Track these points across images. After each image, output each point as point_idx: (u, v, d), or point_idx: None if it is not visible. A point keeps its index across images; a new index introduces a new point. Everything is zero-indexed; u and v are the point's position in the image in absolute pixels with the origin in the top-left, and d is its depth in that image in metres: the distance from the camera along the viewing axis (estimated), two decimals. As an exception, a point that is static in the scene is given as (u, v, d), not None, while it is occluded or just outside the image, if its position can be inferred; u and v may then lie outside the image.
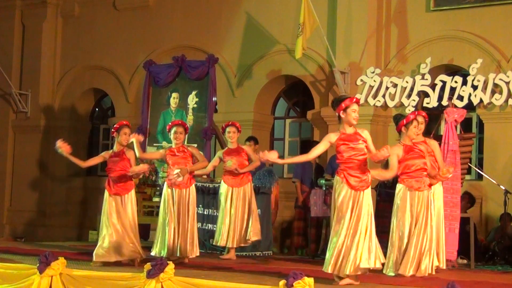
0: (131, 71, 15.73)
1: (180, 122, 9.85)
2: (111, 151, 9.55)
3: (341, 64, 13.12)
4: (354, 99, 7.67)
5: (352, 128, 7.60)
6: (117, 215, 9.23)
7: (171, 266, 7.14)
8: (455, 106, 10.90)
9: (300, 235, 12.04)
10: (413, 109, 12.35)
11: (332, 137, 7.61)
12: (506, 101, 11.85)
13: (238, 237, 10.25)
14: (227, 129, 10.41)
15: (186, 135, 10.09)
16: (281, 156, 14.30)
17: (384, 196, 10.57)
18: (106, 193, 9.37)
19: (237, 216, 10.22)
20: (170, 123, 9.91)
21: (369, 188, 7.59)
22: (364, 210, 7.46)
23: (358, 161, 7.50)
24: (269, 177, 11.26)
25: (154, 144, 13.36)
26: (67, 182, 16.39)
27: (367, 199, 7.52)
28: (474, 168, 11.74)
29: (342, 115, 7.57)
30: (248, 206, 10.29)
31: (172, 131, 9.63)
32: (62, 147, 9.37)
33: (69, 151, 9.41)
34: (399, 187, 8.40)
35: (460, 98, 12.04)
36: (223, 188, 10.32)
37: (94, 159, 9.70)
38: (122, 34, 15.98)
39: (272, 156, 7.39)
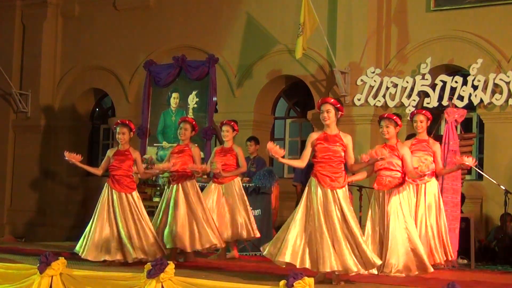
0: (131, 71, 15.74)
1: (187, 118, 9.88)
2: (115, 148, 9.45)
3: (342, 64, 13.13)
4: (320, 100, 7.76)
5: (335, 130, 7.66)
6: (121, 212, 9.13)
7: (171, 266, 7.15)
8: (456, 106, 10.89)
9: (300, 235, 12.02)
10: (413, 109, 12.36)
11: (313, 136, 7.72)
12: (507, 101, 11.86)
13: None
14: (223, 128, 10.35)
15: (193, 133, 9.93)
16: (282, 156, 14.42)
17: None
18: (108, 188, 9.22)
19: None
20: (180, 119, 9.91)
21: (343, 189, 7.52)
22: (335, 210, 7.44)
23: (331, 161, 7.54)
24: (269, 177, 11.26)
25: (155, 144, 13.37)
26: (67, 182, 16.39)
27: (340, 199, 7.48)
28: (474, 168, 11.73)
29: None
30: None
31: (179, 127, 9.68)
32: (71, 157, 9.30)
33: (79, 160, 9.35)
34: None
35: (461, 98, 12.04)
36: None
37: (104, 163, 9.48)
38: (123, 34, 15.99)
39: (279, 153, 7.57)
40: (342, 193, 7.51)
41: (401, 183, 8.38)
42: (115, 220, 9.09)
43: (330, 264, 7.29)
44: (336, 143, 7.57)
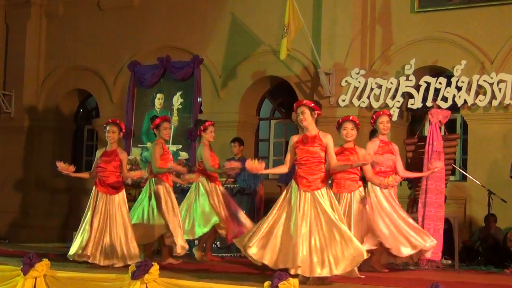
0: (115, 72, 15.69)
1: (167, 117, 9.87)
2: (103, 149, 9.41)
3: (326, 65, 13.14)
4: (295, 104, 7.71)
5: (314, 131, 7.58)
6: (105, 214, 9.13)
7: (155, 267, 7.13)
8: (440, 107, 10.94)
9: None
10: (397, 110, 12.40)
11: (293, 139, 7.67)
12: (490, 102, 11.92)
13: None
14: (210, 128, 10.24)
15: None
16: (266, 157, 14.46)
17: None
18: (95, 190, 9.21)
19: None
20: (158, 118, 9.75)
21: (320, 190, 7.44)
22: (310, 211, 7.39)
23: (309, 163, 7.49)
24: (254, 178, 11.25)
25: (139, 145, 13.33)
26: (51, 183, 16.31)
27: (316, 200, 7.42)
28: (458, 169, 11.79)
29: None
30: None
31: (162, 127, 9.53)
32: (64, 169, 9.22)
33: (72, 171, 9.28)
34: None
35: (444, 99, 12.09)
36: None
37: (94, 165, 9.42)
38: (107, 35, 15.93)
39: (259, 168, 7.48)
40: (318, 195, 7.43)
41: (360, 185, 8.50)
42: (99, 225, 9.08)
43: (292, 263, 7.25)
44: (315, 144, 7.52)
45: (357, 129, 8.48)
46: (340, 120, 8.57)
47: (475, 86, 12.00)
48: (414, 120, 13.40)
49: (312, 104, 7.60)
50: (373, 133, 10.68)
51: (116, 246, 8.97)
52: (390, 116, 9.20)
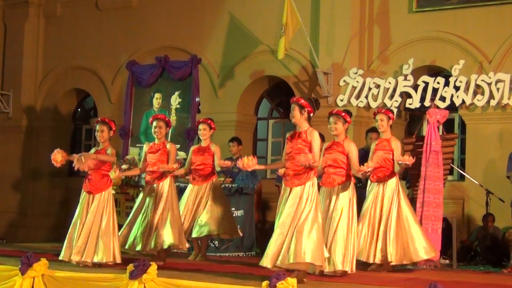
0: (113, 72, 15.68)
1: (159, 116, 9.75)
2: (95, 148, 9.40)
3: (324, 64, 13.14)
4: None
5: (303, 127, 7.65)
6: (83, 215, 9.05)
7: (154, 267, 7.13)
8: (438, 107, 10.93)
9: (283, 235, 12.00)
10: (395, 110, 12.40)
11: (287, 135, 7.82)
12: (488, 102, 11.92)
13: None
14: (199, 126, 10.31)
15: (169, 130, 9.97)
16: (264, 157, 14.45)
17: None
18: (82, 192, 9.22)
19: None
20: (151, 118, 9.76)
21: (305, 186, 7.49)
22: (294, 206, 7.46)
23: (293, 159, 7.56)
24: (252, 178, 11.26)
25: (137, 145, 13.32)
26: (49, 183, 16.31)
27: (300, 195, 7.47)
28: (456, 168, 11.79)
29: None
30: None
31: (152, 126, 9.53)
32: (56, 159, 9.09)
33: (66, 157, 9.16)
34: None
35: (443, 99, 12.09)
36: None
37: None
38: (105, 34, 15.93)
39: (251, 164, 7.55)
40: (300, 191, 7.49)
41: (346, 180, 8.37)
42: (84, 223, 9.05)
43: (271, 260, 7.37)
44: (299, 140, 7.60)
45: (344, 122, 8.38)
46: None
47: (473, 85, 12.00)
48: (412, 120, 13.40)
49: (301, 101, 7.65)
50: (370, 131, 10.73)
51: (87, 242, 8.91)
52: (387, 114, 9.18)
